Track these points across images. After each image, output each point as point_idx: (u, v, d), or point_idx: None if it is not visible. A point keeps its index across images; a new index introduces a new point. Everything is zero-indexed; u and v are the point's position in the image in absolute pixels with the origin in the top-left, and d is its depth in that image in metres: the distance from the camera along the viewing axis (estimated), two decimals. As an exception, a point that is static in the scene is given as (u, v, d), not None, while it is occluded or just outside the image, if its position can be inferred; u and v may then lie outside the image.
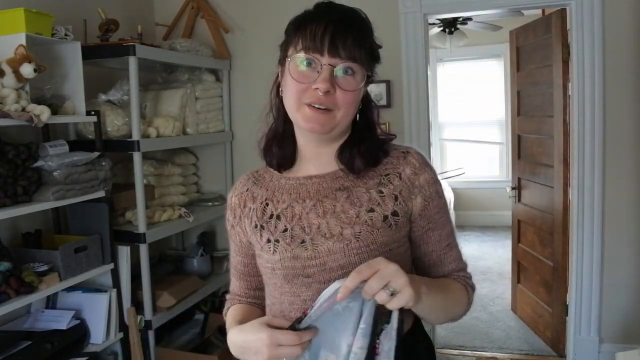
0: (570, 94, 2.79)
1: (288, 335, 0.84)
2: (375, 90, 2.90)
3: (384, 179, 1.00)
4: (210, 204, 3.06)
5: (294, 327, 0.86)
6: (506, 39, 3.93)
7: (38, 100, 2.03)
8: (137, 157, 2.40)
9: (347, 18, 0.95)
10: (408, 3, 2.83)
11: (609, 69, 2.62)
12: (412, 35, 2.84)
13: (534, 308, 3.32)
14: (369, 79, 0.99)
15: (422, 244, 1.04)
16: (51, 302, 2.30)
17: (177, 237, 3.24)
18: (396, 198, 0.99)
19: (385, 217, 0.97)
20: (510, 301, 3.73)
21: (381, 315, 0.83)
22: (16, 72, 1.89)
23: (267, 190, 1.06)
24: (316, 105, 0.93)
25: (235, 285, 1.15)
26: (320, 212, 0.99)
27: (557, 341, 3.03)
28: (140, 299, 2.48)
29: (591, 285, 2.76)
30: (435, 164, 6.13)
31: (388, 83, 2.91)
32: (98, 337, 2.26)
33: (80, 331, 2.20)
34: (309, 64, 0.93)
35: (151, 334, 2.49)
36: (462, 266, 1.08)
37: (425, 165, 1.03)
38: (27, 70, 1.90)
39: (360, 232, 0.95)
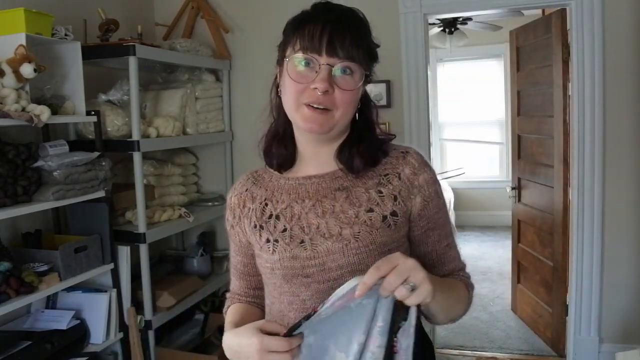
0: (570, 94, 2.79)
1: (278, 342, 0.84)
2: (375, 90, 2.90)
3: (383, 179, 1.01)
4: (210, 204, 3.06)
5: (292, 330, 0.86)
6: (506, 39, 3.93)
7: (38, 100, 2.03)
8: (137, 157, 2.40)
9: (345, 18, 0.95)
10: (408, 3, 2.83)
11: (609, 69, 2.62)
12: (412, 35, 2.84)
13: (534, 308, 3.32)
14: (368, 79, 0.99)
15: (421, 244, 1.04)
16: (51, 302, 2.30)
17: (177, 237, 3.24)
18: (395, 198, 0.99)
19: (384, 217, 0.97)
20: (510, 301, 3.73)
21: (398, 312, 0.81)
22: (16, 72, 1.89)
23: (267, 190, 1.06)
24: (315, 105, 0.93)
25: (235, 284, 1.16)
26: (319, 212, 0.99)
27: (557, 341, 3.03)
28: (140, 299, 2.48)
29: (591, 285, 2.76)
30: (435, 164, 6.13)
31: (388, 83, 2.91)
32: (98, 337, 2.26)
33: (80, 331, 2.20)
34: (307, 64, 0.93)
35: (151, 334, 2.49)
36: (462, 266, 1.08)
37: (425, 165, 1.03)
38: (27, 70, 1.90)
39: (359, 232, 0.95)
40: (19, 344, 1.94)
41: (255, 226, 1.04)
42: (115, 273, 2.36)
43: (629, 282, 2.74)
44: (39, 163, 2.02)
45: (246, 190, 1.09)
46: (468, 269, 1.10)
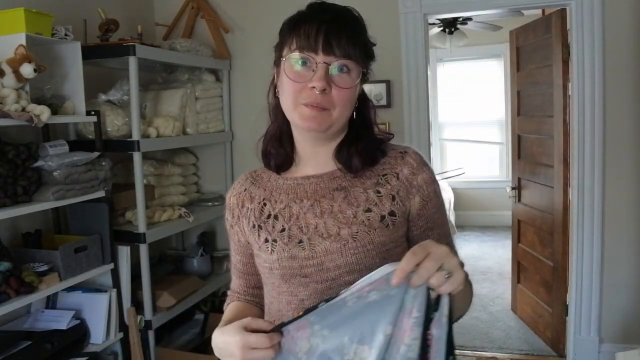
0: (570, 94, 2.79)
1: (259, 339, 0.84)
2: (375, 90, 2.90)
3: (381, 178, 1.01)
4: (210, 204, 3.06)
5: (308, 311, 0.84)
6: (506, 39, 3.93)
7: (38, 100, 2.03)
8: (137, 157, 2.40)
9: (341, 17, 0.95)
10: (408, 3, 2.83)
11: (609, 69, 2.62)
12: (412, 35, 2.85)
13: (534, 308, 3.32)
14: (365, 77, 0.99)
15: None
16: (51, 302, 2.30)
17: (177, 237, 3.24)
18: (393, 198, 0.99)
19: (383, 217, 0.97)
20: (510, 301, 3.73)
21: (429, 302, 0.80)
22: (16, 72, 1.89)
23: (265, 190, 1.07)
24: (313, 105, 0.93)
25: (235, 283, 1.16)
26: (317, 212, 0.99)
27: (557, 341, 3.03)
28: (140, 299, 2.48)
29: (591, 285, 2.76)
30: (435, 164, 6.13)
31: (388, 83, 2.91)
32: (98, 337, 2.26)
33: (80, 331, 2.20)
34: (304, 63, 0.93)
35: (151, 334, 2.49)
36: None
37: (423, 165, 1.03)
38: (27, 70, 1.90)
39: (357, 232, 0.95)
40: (19, 344, 1.94)
41: (254, 226, 1.04)
42: (115, 273, 2.36)
43: (629, 282, 2.74)
44: (39, 163, 2.02)
45: (245, 190, 1.10)
46: (468, 269, 1.09)
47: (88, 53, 2.30)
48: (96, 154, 2.24)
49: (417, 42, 2.85)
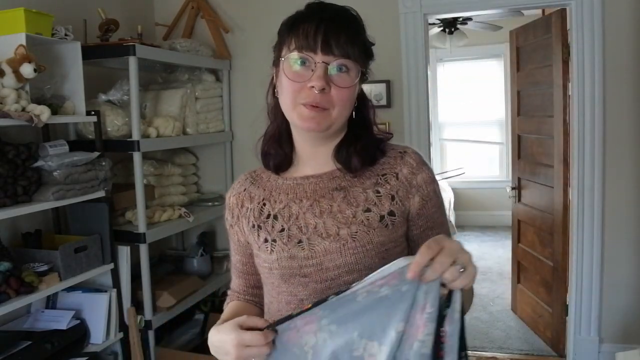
0: (570, 94, 2.79)
1: (254, 336, 0.84)
2: (375, 90, 2.90)
3: (380, 178, 1.01)
4: (210, 204, 3.06)
5: (318, 304, 0.84)
6: (506, 39, 3.93)
7: (38, 100, 2.03)
8: (137, 157, 2.40)
9: (339, 16, 0.95)
10: (408, 3, 2.83)
11: (609, 69, 2.62)
12: (412, 35, 2.85)
13: (534, 308, 3.32)
14: (364, 76, 0.99)
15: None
16: (51, 302, 2.30)
17: (177, 237, 3.24)
18: (393, 198, 0.99)
19: (382, 217, 0.97)
20: (510, 301, 3.73)
21: (441, 298, 0.79)
22: (16, 72, 1.89)
23: (265, 190, 1.07)
24: (312, 104, 0.93)
25: (235, 282, 1.17)
26: (317, 212, 0.99)
27: (557, 341, 3.03)
28: (140, 299, 2.48)
29: (591, 285, 2.76)
30: (435, 164, 6.13)
31: (388, 83, 2.91)
32: (98, 337, 2.26)
33: (80, 331, 2.20)
34: (302, 63, 0.93)
35: (151, 334, 2.49)
36: None
37: (423, 164, 1.03)
38: (27, 70, 1.90)
39: (356, 232, 0.95)
40: (19, 344, 1.94)
41: (254, 226, 1.04)
42: (115, 273, 2.36)
43: (629, 282, 2.74)
44: (39, 163, 2.02)
45: (244, 190, 1.10)
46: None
47: (88, 53, 2.30)
48: (96, 154, 2.24)
49: (417, 42, 2.85)
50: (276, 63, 1.00)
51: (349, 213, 0.97)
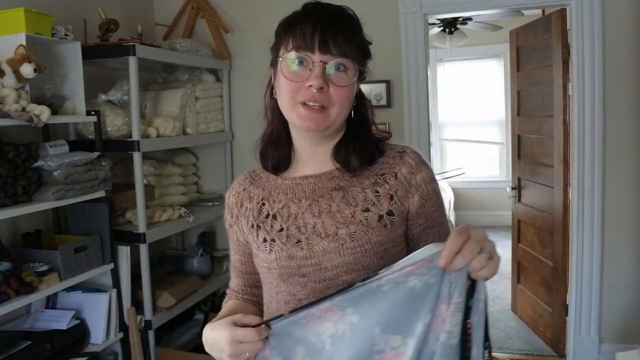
0: (570, 94, 2.79)
1: (247, 332, 0.85)
2: (375, 90, 2.90)
3: (379, 178, 1.01)
4: (210, 204, 3.06)
5: (342, 291, 0.83)
6: (506, 39, 3.93)
7: (38, 100, 2.03)
8: (137, 157, 2.40)
9: (336, 16, 0.96)
10: (408, 3, 2.83)
11: (609, 69, 2.62)
12: (412, 35, 2.84)
13: (534, 308, 3.32)
14: (362, 75, 1.00)
15: (421, 242, 1.04)
16: (51, 302, 2.30)
17: (177, 237, 3.24)
18: (392, 197, 0.99)
19: (381, 217, 0.97)
20: (510, 301, 3.73)
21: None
22: (16, 72, 1.89)
23: (264, 190, 1.07)
24: (311, 103, 0.94)
25: (234, 281, 1.17)
26: (315, 212, 0.99)
27: (557, 341, 3.03)
28: (140, 299, 2.48)
29: (591, 285, 2.76)
30: (435, 164, 6.13)
31: (388, 83, 2.91)
32: (98, 337, 2.26)
33: (80, 331, 2.20)
34: (300, 63, 0.94)
35: (151, 334, 2.49)
36: None
37: (422, 164, 1.03)
38: (27, 70, 1.90)
39: (355, 232, 0.96)
40: (19, 344, 1.95)
41: (253, 226, 1.04)
42: (115, 273, 2.36)
43: (629, 282, 2.74)
44: (39, 163, 2.02)
45: (244, 189, 1.10)
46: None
47: (88, 53, 2.30)
48: (96, 154, 2.24)
49: (417, 42, 2.85)
50: (274, 64, 1.00)
51: (348, 213, 0.97)
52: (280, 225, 1.00)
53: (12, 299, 1.89)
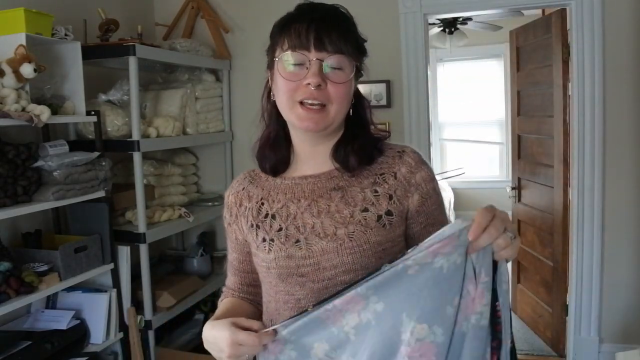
0: (570, 94, 2.79)
1: (249, 337, 0.86)
2: (375, 90, 2.90)
3: (378, 178, 1.01)
4: (210, 204, 3.06)
5: (369, 275, 0.82)
6: (506, 39, 3.93)
7: (38, 100, 2.03)
8: (137, 157, 2.40)
9: (330, 14, 0.97)
10: (408, 3, 2.83)
11: (609, 69, 2.62)
12: (412, 35, 2.84)
13: (534, 308, 3.32)
14: (359, 72, 1.00)
15: (422, 240, 1.04)
16: (51, 302, 2.30)
17: (177, 237, 3.24)
18: (391, 197, 0.99)
19: (379, 217, 0.97)
20: (510, 301, 3.73)
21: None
22: (16, 72, 1.89)
23: (263, 189, 1.07)
24: (309, 102, 0.94)
25: (231, 280, 1.17)
26: (314, 212, 0.99)
27: (557, 341, 3.03)
28: (140, 299, 2.48)
29: (591, 285, 2.76)
30: (435, 164, 6.13)
31: (388, 83, 2.91)
32: (98, 337, 2.26)
33: (80, 331, 2.20)
34: (297, 62, 0.94)
35: (151, 334, 2.49)
36: None
37: (422, 163, 1.03)
38: (27, 70, 1.90)
39: (353, 232, 0.96)
40: (19, 344, 1.95)
41: (252, 225, 1.04)
42: (115, 273, 2.36)
43: (629, 282, 2.74)
44: (39, 163, 2.02)
45: (243, 189, 1.10)
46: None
47: (88, 53, 2.30)
48: (96, 154, 2.24)
49: (417, 42, 2.84)
50: (270, 66, 1.01)
51: (347, 213, 0.97)
52: (279, 225, 1.00)
53: (12, 299, 1.89)
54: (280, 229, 1.00)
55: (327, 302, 0.84)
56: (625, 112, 2.65)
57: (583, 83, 2.65)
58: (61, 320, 2.16)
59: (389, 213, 0.98)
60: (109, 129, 2.43)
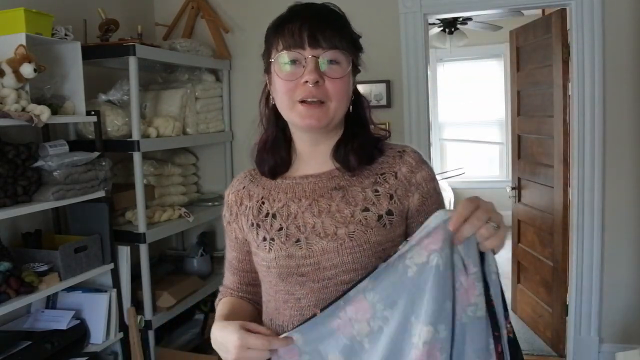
0: (570, 94, 2.79)
1: (258, 340, 0.86)
2: (375, 90, 2.90)
3: (379, 178, 1.01)
4: (210, 204, 3.06)
5: (369, 274, 0.83)
6: (506, 39, 3.93)
7: (38, 100, 2.03)
8: (137, 157, 2.40)
9: (322, 12, 0.97)
10: (408, 3, 2.83)
11: (609, 69, 2.62)
12: (412, 35, 2.84)
13: (534, 308, 3.32)
14: (356, 68, 1.01)
15: None
16: (51, 302, 2.30)
17: (177, 237, 3.24)
18: (391, 197, 0.99)
19: (380, 217, 0.97)
20: (510, 301, 3.72)
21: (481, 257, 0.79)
22: (16, 72, 1.89)
23: (264, 188, 1.07)
24: (309, 100, 0.94)
25: (229, 279, 1.17)
26: (315, 212, 0.99)
27: (557, 341, 3.02)
28: (140, 299, 2.48)
29: (591, 285, 2.76)
30: (435, 164, 6.13)
31: (388, 83, 2.91)
32: (98, 337, 2.26)
33: (80, 331, 2.20)
34: (293, 62, 0.95)
35: (151, 334, 2.49)
36: None
37: (422, 163, 1.03)
38: (27, 70, 1.90)
39: (354, 232, 0.96)
40: (19, 344, 1.94)
41: (253, 224, 1.04)
42: (115, 273, 2.36)
43: (629, 282, 2.74)
44: (39, 163, 2.02)
45: (243, 187, 1.10)
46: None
47: (88, 53, 2.30)
48: (96, 154, 2.23)
49: (417, 42, 2.84)
50: (267, 69, 1.02)
51: (347, 212, 0.97)
52: (280, 224, 1.00)
53: (12, 299, 1.89)
54: (281, 228, 1.00)
55: (334, 304, 0.85)
56: (625, 112, 2.65)
57: (583, 83, 2.65)
58: (61, 320, 2.16)
59: (389, 213, 0.98)
60: (109, 129, 2.43)
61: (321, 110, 0.95)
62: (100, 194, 2.26)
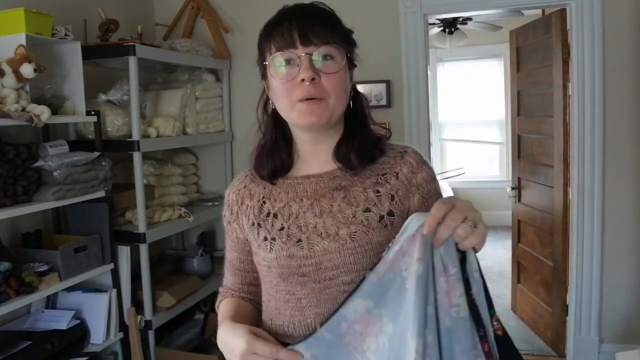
0: (570, 94, 2.79)
1: (267, 347, 0.86)
2: (375, 90, 2.90)
3: (380, 178, 1.01)
4: (210, 204, 3.06)
5: (310, 334, 0.84)
6: (506, 39, 3.93)
7: (38, 100, 2.03)
8: (137, 157, 2.40)
9: (310, 10, 0.98)
10: (408, 3, 2.83)
11: (609, 69, 2.62)
12: (412, 35, 2.84)
13: (534, 308, 3.32)
14: (351, 63, 1.01)
15: None
16: (51, 302, 2.30)
17: (177, 237, 3.24)
18: (392, 197, 0.99)
19: (381, 217, 0.97)
20: (510, 301, 3.73)
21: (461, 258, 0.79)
22: (16, 72, 1.89)
23: (265, 188, 1.07)
24: (307, 98, 0.94)
25: (229, 279, 1.16)
26: (317, 212, 0.99)
27: (557, 341, 3.03)
28: (140, 299, 2.48)
29: (591, 285, 2.76)
30: (435, 164, 6.13)
31: (388, 83, 2.91)
32: (98, 337, 2.26)
33: (80, 331, 2.20)
34: (287, 62, 0.95)
35: (151, 334, 2.49)
36: None
37: (423, 163, 1.04)
38: (27, 70, 1.90)
39: (355, 232, 0.96)
40: (19, 344, 1.94)
41: (254, 224, 1.04)
42: (115, 273, 2.36)
43: (629, 282, 2.74)
44: (39, 163, 2.02)
45: (244, 187, 1.10)
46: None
47: (88, 53, 2.30)
48: (96, 154, 2.23)
49: (417, 42, 2.84)
50: (264, 74, 1.02)
51: (349, 213, 0.97)
52: (281, 224, 1.00)
53: (12, 299, 1.89)
54: (282, 228, 1.00)
55: (334, 318, 0.85)
56: (625, 112, 2.65)
57: (583, 83, 2.65)
58: (61, 320, 2.16)
59: (390, 213, 0.98)
60: (109, 129, 2.43)
61: (320, 107, 0.95)
62: (100, 194, 2.26)
